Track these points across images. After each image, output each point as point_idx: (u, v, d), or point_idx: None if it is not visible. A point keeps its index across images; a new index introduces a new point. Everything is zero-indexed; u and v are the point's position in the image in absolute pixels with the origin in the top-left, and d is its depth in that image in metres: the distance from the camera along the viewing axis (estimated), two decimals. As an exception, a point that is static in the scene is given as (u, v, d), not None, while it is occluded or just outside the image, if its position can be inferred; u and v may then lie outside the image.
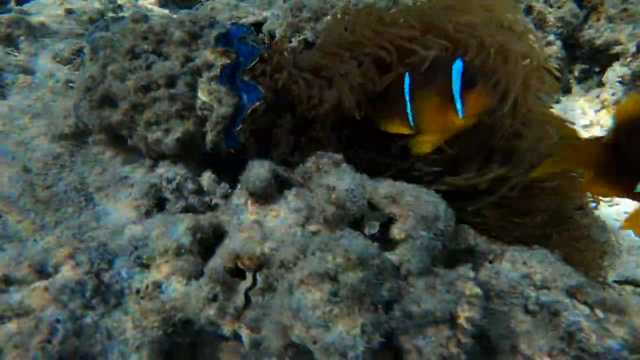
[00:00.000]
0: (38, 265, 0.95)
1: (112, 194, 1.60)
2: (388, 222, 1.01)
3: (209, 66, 1.48)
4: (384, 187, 1.03)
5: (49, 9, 2.60)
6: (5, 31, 2.18)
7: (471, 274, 0.90)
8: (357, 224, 0.96)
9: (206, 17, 1.65)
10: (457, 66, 1.06)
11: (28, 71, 2.13)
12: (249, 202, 1.16)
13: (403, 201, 1.00)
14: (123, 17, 1.95)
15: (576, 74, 2.20)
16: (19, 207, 1.46)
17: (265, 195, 1.15)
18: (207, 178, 1.52)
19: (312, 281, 0.80)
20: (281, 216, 1.07)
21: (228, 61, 1.46)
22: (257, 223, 1.05)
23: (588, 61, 2.17)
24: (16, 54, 2.23)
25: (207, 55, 1.49)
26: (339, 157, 1.21)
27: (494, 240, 1.25)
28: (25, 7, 2.56)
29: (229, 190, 1.49)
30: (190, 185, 1.47)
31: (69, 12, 2.58)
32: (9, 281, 0.96)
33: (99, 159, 1.66)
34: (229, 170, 1.60)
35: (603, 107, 1.96)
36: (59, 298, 0.84)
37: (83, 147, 1.67)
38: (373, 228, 0.94)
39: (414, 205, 0.99)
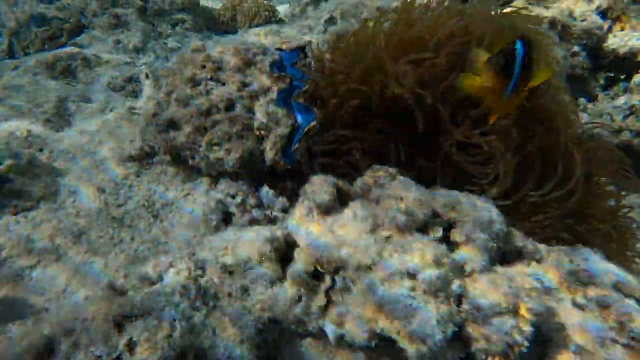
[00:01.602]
0: (142, 274, 1.09)
1: (176, 209, 1.75)
2: (448, 227, 1.12)
3: (266, 90, 1.63)
4: (442, 196, 1.15)
5: (98, 41, 2.80)
6: (65, 64, 2.37)
7: (528, 270, 1.01)
8: (423, 230, 1.08)
9: (257, 45, 1.80)
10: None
11: (87, 99, 2.31)
12: (315, 213, 1.29)
13: (460, 208, 1.12)
14: (180, 48, 2.12)
15: (601, 81, 2.30)
16: (98, 224, 1.61)
17: (330, 207, 1.27)
18: (265, 193, 1.66)
19: (394, 279, 0.92)
20: (350, 225, 1.19)
21: (283, 85, 1.61)
22: (330, 232, 1.17)
23: (613, 69, 2.28)
24: (74, 83, 2.42)
25: (264, 80, 1.64)
26: (393, 170, 1.33)
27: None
28: (77, 40, 2.76)
29: (286, 205, 1.63)
30: (251, 200, 1.61)
31: (117, 42, 2.77)
32: (116, 289, 1.10)
33: (162, 178, 1.81)
34: (282, 182, 1.75)
35: (632, 113, 2.06)
36: (171, 300, 0.97)
37: (147, 168, 1.83)
38: (438, 232, 1.06)
39: (470, 211, 1.11)
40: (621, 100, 2.14)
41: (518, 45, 1.13)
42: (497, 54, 1.16)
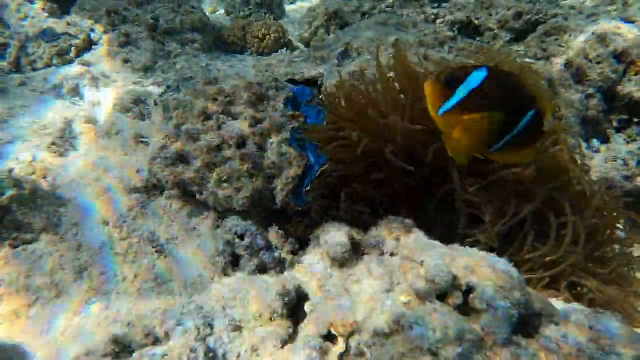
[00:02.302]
0: (147, 329, 1.04)
1: (181, 245, 1.70)
2: (467, 291, 1.08)
3: (279, 128, 1.59)
4: (461, 257, 1.11)
5: (107, 60, 2.77)
6: (73, 83, 2.34)
7: (552, 345, 0.96)
8: (443, 296, 1.04)
9: (270, 79, 1.77)
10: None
11: (92, 121, 2.27)
12: (329, 264, 1.25)
13: (481, 272, 1.08)
14: (191, 78, 2.09)
15: (615, 124, 2.28)
16: (101, 259, 1.57)
17: (345, 260, 1.23)
18: (274, 233, 1.61)
19: (414, 355, 0.88)
20: (365, 282, 1.15)
21: (297, 124, 1.57)
22: (345, 290, 1.13)
23: (627, 113, 2.26)
24: (80, 103, 2.39)
25: (277, 117, 1.60)
26: (410, 222, 1.29)
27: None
28: (86, 57, 2.73)
29: (296, 246, 1.59)
30: (260, 242, 1.57)
31: (125, 61, 2.74)
32: (120, 342, 1.05)
33: (168, 211, 1.76)
34: (293, 225, 1.71)
35: (646, 158, 2.04)
36: (178, 366, 0.93)
37: (153, 200, 1.78)
38: (458, 299, 1.02)
39: (491, 276, 1.07)
40: (635, 146, 2.12)
41: (479, 74, 1.09)
42: (452, 70, 1.14)
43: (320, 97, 1.71)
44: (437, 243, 1.20)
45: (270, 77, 1.78)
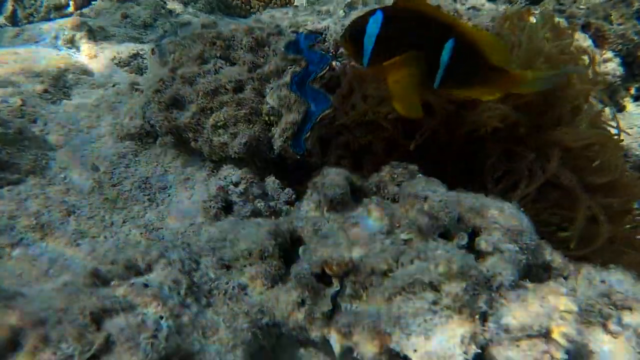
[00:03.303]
0: (129, 262, 0.97)
1: (174, 194, 1.63)
2: (473, 234, 1.01)
3: (279, 72, 1.51)
4: (467, 199, 1.03)
5: (106, 14, 2.68)
6: (69, 34, 2.26)
7: (563, 289, 0.89)
8: (446, 235, 0.97)
9: (272, 25, 1.68)
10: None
11: (88, 72, 2.19)
12: (326, 207, 1.17)
13: (488, 214, 1.00)
14: (190, 23, 2.00)
15: (633, 91, 2.17)
16: (89, 204, 1.50)
17: (343, 203, 1.16)
18: (271, 182, 1.54)
19: (414, 289, 0.81)
20: (362, 224, 1.08)
21: (298, 68, 1.49)
22: (342, 230, 1.06)
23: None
24: (77, 55, 2.30)
25: (277, 61, 1.52)
26: (413, 167, 1.22)
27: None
28: (85, 11, 2.64)
29: (293, 196, 1.51)
30: (255, 190, 1.50)
31: (125, 16, 2.65)
32: (100, 276, 0.99)
33: (161, 160, 1.69)
34: (290, 174, 1.63)
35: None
36: (159, 295, 0.86)
37: (146, 148, 1.71)
38: (462, 239, 0.95)
39: (499, 218, 0.99)
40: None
41: (374, 19, 1.05)
42: (351, 24, 1.13)
43: (325, 45, 1.62)
44: (444, 185, 1.12)
45: (272, 23, 1.69)
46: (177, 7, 2.96)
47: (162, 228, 1.52)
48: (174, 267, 0.96)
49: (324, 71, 1.47)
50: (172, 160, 1.70)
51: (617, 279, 1.13)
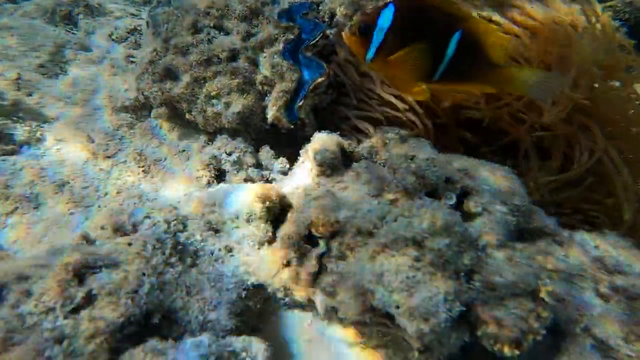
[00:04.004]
0: (116, 224, 0.97)
1: (169, 166, 1.63)
2: (463, 195, 0.99)
3: (272, 41, 1.49)
4: (457, 161, 1.02)
5: (104, -11, 2.65)
6: (65, 10, 2.24)
7: (551, 248, 0.88)
8: (433, 195, 0.95)
9: (267, -6, 1.65)
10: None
11: (86, 48, 2.18)
12: (316, 172, 1.16)
13: (478, 175, 0.99)
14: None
15: None
16: (83, 174, 1.50)
17: (333, 167, 1.15)
18: (265, 152, 1.53)
19: (397, 246, 0.80)
20: (352, 187, 1.07)
21: (291, 36, 1.46)
22: (329, 192, 1.05)
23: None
24: (75, 31, 2.29)
25: (271, 29, 1.50)
26: (405, 132, 1.20)
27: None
28: (82, -14, 2.61)
29: (287, 166, 1.50)
30: (249, 159, 1.49)
31: (123, -8, 2.62)
32: (90, 240, 0.99)
33: (156, 132, 1.69)
34: (285, 145, 1.62)
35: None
36: (142, 253, 0.86)
37: (141, 120, 1.70)
38: (450, 199, 0.93)
39: (489, 179, 0.98)
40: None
41: (387, 12, 1.05)
42: (361, 17, 1.11)
43: (320, 13, 1.59)
44: (434, 148, 1.11)
45: (267, -8, 1.66)
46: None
47: (156, 199, 1.52)
48: (159, 227, 0.95)
49: (317, 39, 1.44)
50: (168, 132, 1.69)
51: (611, 244, 1.12)
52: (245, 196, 1.08)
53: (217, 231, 1.07)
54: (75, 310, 0.75)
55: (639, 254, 1.09)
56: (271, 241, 1.02)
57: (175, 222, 0.98)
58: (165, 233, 0.94)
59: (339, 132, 1.43)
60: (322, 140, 1.17)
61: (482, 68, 1.07)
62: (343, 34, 1.13)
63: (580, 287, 1.09)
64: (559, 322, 1.03)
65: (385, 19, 1.06)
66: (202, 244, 0.99)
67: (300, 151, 1.35)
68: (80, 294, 0.77)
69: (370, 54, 1.09)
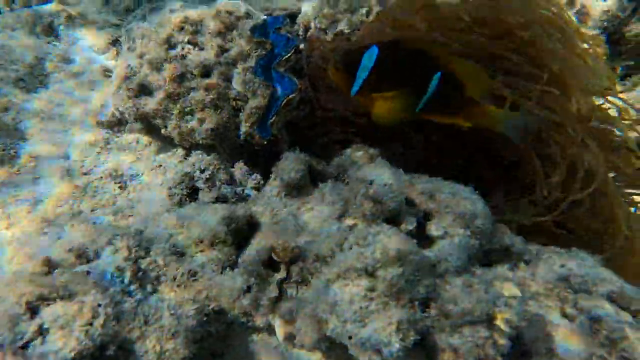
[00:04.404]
0: (80, 250, 0.97)
1: (145, 181, 1.63)
2: (425, 218, 0.99)
3: (245, 56, 1.49)
4: (420, 183, 1.01)
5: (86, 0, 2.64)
6: (47, 21, 2.24)
7: (509, 274, 0.88)
8: (394, 220, 0.95)
9: (241, 8, 1.65)
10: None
11: (67, 60, 2.18)
12: (283, 193, 1.16)
13: (440, 197, 0.98)
14: (160, 7, 1.97)
15: (619, 70, 2.11)
16: (59, 192, 1.50)
17: (300, 187, 1.15)
18: (239, 169, 1.53)
19: (350, 275, 0.79)
20: (316, 209, 1.07)
21: (264, 52, 1.46)
22: (292, 215, 1.05)
23: (634, 57, 2.08)
24: (56, 43, 2.29)
25: (243, 45, 1.49)
26: (374, 151, 1.20)
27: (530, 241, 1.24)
28: (64, -4, 2.61)
29: (261, 182, 1.50)
30: (222, 176, 1.49)
31: (106, 2, 2.62)
32: (52, 264, 0.99)
33: (133, 147, 1.68)
34: (261, 161, 1.62)
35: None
36: (100, 283, 0.86)
37: (118, 135, 1.70)
38: (411, 224, 0.93)
39: (451, 202, 0.97)
40: (636, 93, 1.95)
41: (370, 53, 1.14)
42: (345, 55, 1.22)
43: (295, 27, 1.59)
44: (399, 170, 1.10)
45: (243, 7, 1.66)
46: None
47: (131, 215, 1.52)
48: (120, 254, 0.95)
49: (290, 54, 1.44)
50: (145, 147, 1.69)
51: (578, 263, 1.11)
52: (211, 218, 1.08)
53: (182, 254, 1.07)
54: (25, 346, 0.75)
55: (603, 272, 1.09)
56: (234, 265, 1.02)
57: (137, 248, 0.98)
58: (125, 260, 0.93)
59: (312, 148, 1.44)
60: (289, 161, 1.17)
61: (460, 105, 1.17)
62: (328, 68, 1.23)
63: (547, 306, 1.09)
64: (524, 341, 1.04)
65: (369, 60, 1.15)
66: (164, 269, 0.99)
67: (273, 168, 1.35)
68: (31, 328, 0.77)
69: (355, 88, 1.19)
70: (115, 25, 2.55)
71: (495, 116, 1.17)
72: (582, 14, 2.04)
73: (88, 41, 2.33)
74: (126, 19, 2.66)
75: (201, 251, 1.04)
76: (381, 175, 0.94)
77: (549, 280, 1.09)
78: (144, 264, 0.97)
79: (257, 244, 0.99)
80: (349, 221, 0.93)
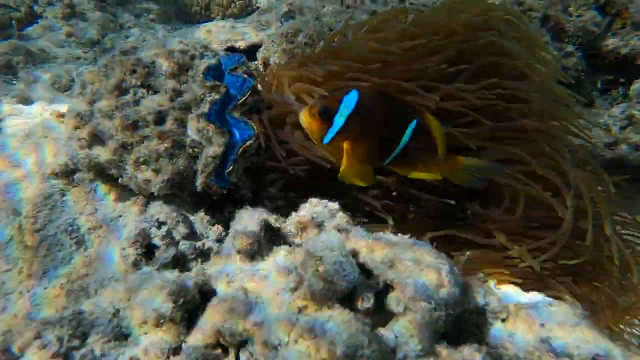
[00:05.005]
0: (4, 346, 0.88)
1: (104, 235, 1.53)
2: (385, 289, 0.90)
3: (198, 101, 1.40)
4: (381, 249, 0.93)
5: (50, 33, 2.56)
6: (4, 59, 2.15)
7: (478, 356, 0.79)
8: (351, 295, 0.86)
9: (197, 46, 1.56)
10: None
11: (25, 100, 2.09)
12: (238, 258, 1.07)
13: (402, 266, 0.90)
14: (112, 48, 1.89)
15: (599, 85, 2.03)
16: (6, 255, 1.41)
17: (254, 253, 1.06)
18: (200, 219, 1.44)
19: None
20: (270, 279, 0.98)
21: (217, 96, 1.37)
22: (242, 290, 0.96)
23: (612, 72, 2.00)
24: (14, 82, 2.19)
25: (196, 89, 1.40)
26: (334, 205, 1.11)
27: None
28: (27, 31, 2.53)
29: (223, 233, 1.41)
30: (182, 229, 1.39)
31: (69, 35, 2.53)
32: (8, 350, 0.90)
33: (91, 197, 1.59)
34: (224, 207, 1.53)
35: (630, 124, 1.80)
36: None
37: (75, 186, 1.61)
38: (367, 301, 0.84)
39: (414, 272, 0.89)
40: (619, 109, 1.87)
41: (350, 98, 1.09)
42: (323, 100, 1.15)
43: (254, 61, 1.51)
44: (358, 231, 1.02)
45: (198, 43, 1.57)
46: (129, 19, 2.83)
47: (87, 275, 1.43)
48: (50, 348, 0.86)
49: (246, 97, 1.35)
50: (104, 196, 1.59)
51: (559, 321, 1.03)
52: (158, 295, 0.99)
53: (126, 336, 0.98)
54: None
55: (587, 331, 1.01)
56: (178, 350, 0.93)
57: (69, 337, 0.89)
58: (53, 357, 0.84)
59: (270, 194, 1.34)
60: (243, 222, 1.09)
61: (430, 157, 1.13)
62: (300, 114, 1.16)
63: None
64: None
65: (348, 105, 1.09)
66: (102, 359, 0.90)
67: (231, 223, 1.26)
68: None
69: (327, 138, 1.12)
70: (79, 59, 2.46)
71: (458, 165, 1.14)
72: (556, 30, 1.96)
73: (49, 78, 2.24)
74: (92, 50, 2.57)
75: (145, 333, 0.95)
76: (332, 250, 0.85)
77: (528, 342, 1.01)
78: (77, 356, 0.88)
79: (203, 326, 0.90)
80: (300, 301, 0.84)
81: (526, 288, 1.26)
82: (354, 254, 0.92)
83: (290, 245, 1.10)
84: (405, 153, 1.13)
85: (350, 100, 1.10)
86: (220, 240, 1.40)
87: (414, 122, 1.10)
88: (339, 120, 1.10)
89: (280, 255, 1.01)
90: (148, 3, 3.04)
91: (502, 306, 1.05)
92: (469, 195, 1.40)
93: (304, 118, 1.15)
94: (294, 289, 0.92)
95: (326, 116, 1.11)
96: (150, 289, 1.02)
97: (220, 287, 1.07)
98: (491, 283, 1.21)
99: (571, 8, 1.91)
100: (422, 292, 0.86)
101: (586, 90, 1.99)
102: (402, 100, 1.17)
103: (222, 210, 1.48)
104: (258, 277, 1.01)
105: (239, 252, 1.05)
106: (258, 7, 3.43)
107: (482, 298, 1.03)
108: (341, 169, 1.14)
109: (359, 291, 0.86)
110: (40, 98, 2.11)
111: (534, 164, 1.23)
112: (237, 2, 3.25)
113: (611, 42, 1.92)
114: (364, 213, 1.32)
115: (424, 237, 1.29)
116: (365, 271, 0.91)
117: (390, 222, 1.34)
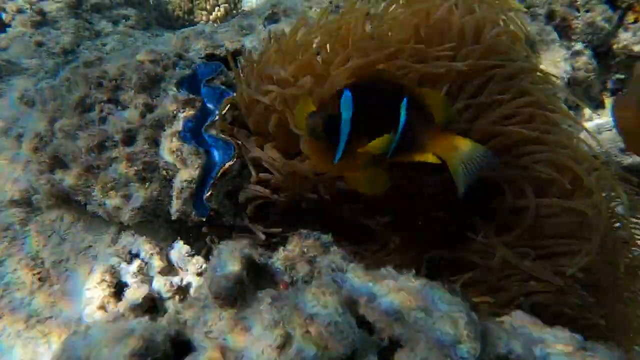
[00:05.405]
0: None
1: (72, 268, 1.37)
2: (391, 345, 0.75)
3: (171, 118, 1.24)
4: (386, 295, 0.77)
5: (18, 42, 2.39)
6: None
7: None
8: (352, 357, 0.70)
9: (170, 54, 1.40)
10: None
11: (-12, 118, 1.91)
12: (217, 304, 0.91)
13: (410, 318, 0.74)
14: (76, 59, 1.73)
15: (609, 85, 1.89)
16: (-43, 299, 1.24)
17: (235, 297, 0.90)
18: (178, 250, 1.28)
19: None
20: (254, 332, 0.82)
21: (192, 112, 1.21)
22: (219, 349, 0.80)
23: (624, 71, 1.86)
24: (-23, 97, 2.02)
25: (168, 104, 1.24)
26: (327, 238, 0.96)
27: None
28: (-7, 41, 2.35)
29: (203, 266, 1.25)
30: (157, 262, 1.24)
31: (39, 44, 2.36)
32: None
33: (57, 227, 1.42)
34: (206, 235, 1.37)
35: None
36: None
37: (38, 214, 1.44)
38: (369, 367, 0.69)
39: (425, 325, 0.73)
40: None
41: (344, 98, 0.93)
42: (316, 113, 0.95)
43: (238, 70, 1.34)
44: (355, 270, 0.86)
45: (172, 52, 1.41)
46: (106, 26, 2.66)
47: (51, 317, 1.26)
48: None
49: (225, 111, 1.20)
50: (70, 225, 1.43)
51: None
52: (118, 354, 0.83)
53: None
54: None
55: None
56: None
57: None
58: None
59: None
60: (221, 261, 0.93)
61: (433, 133, 1.00)
62: (302, 141, 1.03)
63: None
64: None
65: (347, 108, 0.94)
66: None
67: (210, 257, 1.10)
68: None
69: (337, 157, 0.95)
70: (51, 71, 2.29)
71: (459, 147, 0.98)
72: (563, 28, 1.82)
73: (17, 93, 2.06)
74: (66, 58, 2.40)
75: (105, 404, 0.79)
76: (326, 307, 0.69)
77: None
78: None
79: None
80: (287, 368, 0.69)
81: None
82: (352, 302, 0.77)
83: (276, 285, 0.94)
84: (406, 137, 0.99)
85: (347, 103, 0.95)
86: (200, 274, 1.24)
87: (404, 100, 0.97)
88: (344, 130, 0.95)
89: (265, 303, 0.85)
90: (126, 9, 2.86)
91: (529, 352, 0.90)
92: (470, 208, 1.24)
93: (307, 145, 1.01)
94: (282, 346, 0.77)
95: (330, 131, 0.95)
96: (112, 346, 0.86)
97: (198, 338, 0.91)
98: (507, 320, 1.05)
99: (578, 2, 1.77)
100: (436, 350, 0.71)
101: (596, 91, 1.85)
102: (389, 78, 1.04)
103: (202, 238, 1.32)
104: (240, 327, 0.85)
105: (217, 297, 0.89)
106: (244, 10, 3.27)
107: (504, 344, 0.88)
108: (359, 179, 1.00)
109: (360, 354, 0.71)
110: (4, 116, 1.94)
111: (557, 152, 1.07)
112: (221, 6, 3.10)
113: (623, 38, 1.79)
114: (358, 235, 1.17)
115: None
116: (365, 322, 0.75)
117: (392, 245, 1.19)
